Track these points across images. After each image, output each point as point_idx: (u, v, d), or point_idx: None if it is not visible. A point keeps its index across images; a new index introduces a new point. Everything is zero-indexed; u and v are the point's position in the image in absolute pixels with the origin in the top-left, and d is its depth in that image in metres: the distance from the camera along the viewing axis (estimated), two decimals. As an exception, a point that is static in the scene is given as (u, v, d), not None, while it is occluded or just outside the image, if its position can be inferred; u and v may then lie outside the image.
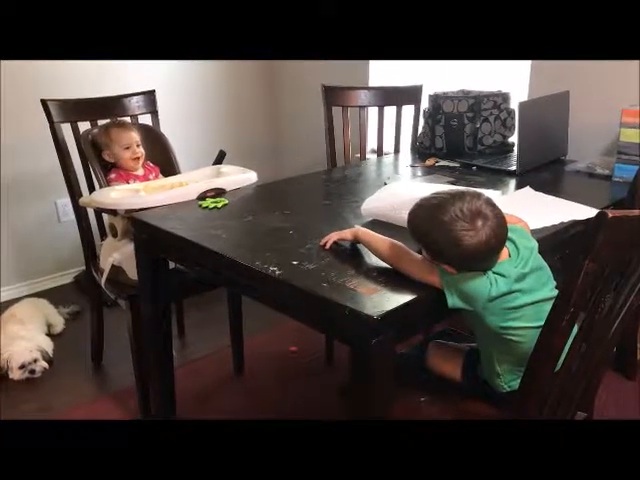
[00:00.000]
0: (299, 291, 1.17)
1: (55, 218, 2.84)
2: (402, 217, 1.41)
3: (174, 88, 2.98)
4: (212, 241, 1.40)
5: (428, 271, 1.14)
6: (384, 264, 1.24)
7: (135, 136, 1.99)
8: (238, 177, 1.84)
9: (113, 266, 1.85)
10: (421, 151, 2.28)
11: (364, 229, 1.30)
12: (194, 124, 3.11)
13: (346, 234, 1.32)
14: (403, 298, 1.11)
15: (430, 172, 2.01)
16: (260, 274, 1.24)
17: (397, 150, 2.40)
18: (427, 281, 1.14)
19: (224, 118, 3.27)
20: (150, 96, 2.18)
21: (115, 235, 1.83)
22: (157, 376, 1.79)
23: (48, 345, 2.28)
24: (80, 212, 2.03)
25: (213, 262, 1.40)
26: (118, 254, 1.84)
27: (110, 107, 2.11)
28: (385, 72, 2.87)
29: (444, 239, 1.10)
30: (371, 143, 2.67)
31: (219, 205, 1.65)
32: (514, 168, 1.96)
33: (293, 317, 1.27)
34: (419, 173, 2.01)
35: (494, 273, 1.13)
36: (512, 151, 2.22)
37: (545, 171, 1.99)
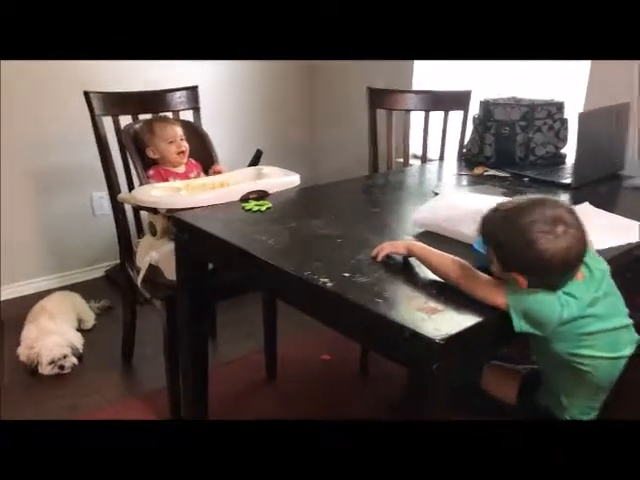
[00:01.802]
0: (352, 306, 1.10)
1: (90, 211, 2.82)
2: (459, 231, 1.35)
3: (212, 85, 2.93)
4: (257, 247, 1.35)
5: (493, 290, 1.07)
6: (441, 281, 1.16)
7: (179, 130, 1.94)
8: (281, 180, 1.78)
9: (150, 265, 1.80)
10: (468, 159, 2.20)
11: (419, 244, 1.23)
12: (230, 122, 3.06)
13: (399, 247, 1.24)
14: (468, 320, 1.03)
15: (479, 181, 1.92)
16: (309, 285, 1.18)
17: (442, 157, 2.32)
18: (491, 302, 1.06)
19: (260, 117, 3.23)
20: (193, 92, 2.14)
21: (154, 234, 1.79)
22: (191, 379, 1.73)
23: (78, 341, 2.25)
24: (118, 208, 1.99)
25: (257, 268, 1.34)
26: (156, 253, 1.79)
27: (153, 102, 2.07)
28: (430, 75, 2.80)
29: (519, 241, 1.02)
30: (412, 148, 2.60)
31: (263, 208, 1.59)
32: (569, 181, 1.87)
33: (342, 332, 1.21)
34: (467, 182, 1.93)
35: (565, 294, 1.05)
36: (564, 163, 2.12)
37: (601, 186, 1.89)
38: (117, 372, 2.18)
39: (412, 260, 1.26)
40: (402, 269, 1.24)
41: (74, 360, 2.15)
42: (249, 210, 1.58)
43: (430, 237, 1.40)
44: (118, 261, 2.84)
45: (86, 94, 1.93)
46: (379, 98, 2.28)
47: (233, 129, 3.07)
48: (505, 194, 1.76)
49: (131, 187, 2.04)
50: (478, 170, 2.04)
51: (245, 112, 3.15)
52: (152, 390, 2.03)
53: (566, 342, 1.08)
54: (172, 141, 1.93)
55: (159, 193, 1.68)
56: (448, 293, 1.12)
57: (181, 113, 2.12)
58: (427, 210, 1.46)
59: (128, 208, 2.01)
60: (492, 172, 2.02)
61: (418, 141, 2.38)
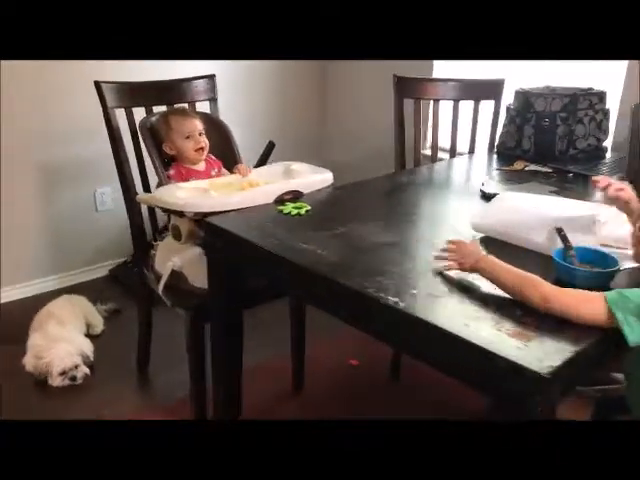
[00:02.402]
0: (433, 330, 0.98)
1: (92, 207, 2.65)
2: (530, 239, 1.24)
3: (222, 76, 2.76)
4: (306, 257, 1.22)
5: (594, 303, 0.95)
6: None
7: (198, 124, 1.79)
8: (315, 178, 1.65)
9: (173, 271, 1.66)
10: (503, 152, 2.07)
11: (489, 260, 1.08)
12: (240, 114, 2.90)
13: (464, 266, 1.11)
14: (571, 346, 0.92)
15: (524, 178, 1.80)
16: (375, 303, 1.06)
17: (472, 150, 2.19)
18: (593, 317, 0.94)
19: (271, 109, 3.07)
20: (210, 81, 1.98)
21: (178, 238, 1.64)
22: (223, 391, 1.61)
23: (89, 348, 2.11)
24: (133, 208, 1.85)
25: (307, 282, 1.22)
26: (179, 259, 1.65)
27: (168, 92, 1.92)
28: (451, 63, 2.66)
29: None
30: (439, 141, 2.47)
31: (302, 211, 1.46)
32: (617, 177, 1.75)
33: (414, 356, 1.09)
34: (511, 178, 1.81)
35: None
36: (604, 157, 2.01)
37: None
38: (133, 382, 2.05)
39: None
40: (472, 282, 1.12)
41: (86, 370, 2.01)
42: (287, 214, 1.45)
43: (491, 243, 1.28)
44: (123, 259, 2.74)
45: (97, 84, 1.77)
46: (407, 87, 2.14)
47: (243, 120, 2.90)
48: (554, 192, 1.66)
49: (145, 185, 1.89)
50: (518, 165, 1.92)
51: (255, 103, 2.99)
52: (173, 401, 1.90)
53: None
54: (190, 136, 1.77)
55: (185, 194, 1.54)
56: (535, 314, 1.00)
57: (197, 104, 1.97)
58: (487, 214, 1.34)
59: (143, 206, 1.87)
60: (533, 167, 1.90)
61: (443, 133, 2.25)
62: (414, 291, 1.09)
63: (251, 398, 1.75)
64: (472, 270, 1.10)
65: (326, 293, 1.18)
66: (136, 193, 1.84)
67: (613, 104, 2.08)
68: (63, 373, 1.96)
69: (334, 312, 1.24)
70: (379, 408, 1.91)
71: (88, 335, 2.22)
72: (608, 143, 2.07)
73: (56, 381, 1.96)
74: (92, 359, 2.07)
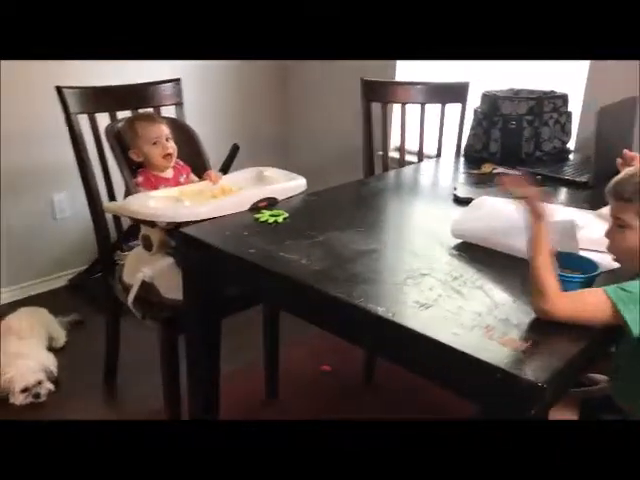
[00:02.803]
0: (422, 339, 0.97)
1: (50, 215, 2.55)
2: (508, 243, 1.24)
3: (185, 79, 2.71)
4: (289, 267, 1.19)
5: (594, 296, 0.96)
6: (514, 304, 1.05)
7: (164, 129, 1.74)
8: (290, 184, 1.62)
9: (143, 282, 1.61)
10: (471, 155, 2.09)
11: (544, 226, 1.03)
12: (203, 117, 2.84)
13: (533, 199, 1.05)
14: (564, 352, 0.92)
15: (492, 180, 1.81)
16: (364, 313, 1.04)
17: (440, 153, 2.21)
18: (599, 318, 0.96)
19: (233, 112, 3.02)
20: (176, 85, 1.94)
21: (149, 248, 1.59)
22: (201, 402, 1.56)
23: (52, 362, 2.03)
24: (99, 217, 1.78)
25: (290, 292, 1.19)
26: (149, 269, 1.60)
27: (133, 97, 1.86)
28: (413, 66, 2.67)
29: None
30: (395, 142, 2.49)
31: (280, 219, 1.43)
32: (585, 179, 1.79)
33: (404, 366, 1.08)
34: (480, 182, 1.82)
35: None
36: (569, 159, 2.06)
37: (615, 183, 1.84)
38: (101, 396, 1.98)
39: (467, 276, 1.15)
40: (458, 289, 1.12)
41: (50, 386, 1.93)
42: (264, 222, 1.42)
43: (472, 249, 1.29)
44: (83, 268, 2.65)
45: (59, 90, 1.70)
46: (374, 90, 2.14)
47: (206, 123, 2.84)
48: (526, 195, 1.68)
49: (110, 192, 1.83)
50: (487, 168, 1.94)
51: (218, 106, 2.93)
52: (145, 414, 1.84)
53: None
54: (157, 142, 1.72)
55: (157, 204, 1.49)
56: (521, 318, 1.01)
57: (163, 109, 1.92)
58: (467, 220, 1.34)
59: (108, 214, 1.80)
60: (501, 170, 1.92)
61: (410, 136, 2.26)
62: (401, 299, 1.08)
63: (223, 408, 1.71)
64: (532, 211, 1.05)
65: (310, 303, 1.16)
66: (101, 201, 1.78)
67: (574, 106, 2.13)
68: (25, 390, 1.88)
69: (318, 322, 1.22)
70: (354, 414, 1.90)
71: (50, 349, 2.14)
72: (571, 145, 2.11)
73: (18, 399, 1.88)
74: (56, 374, 1.99)
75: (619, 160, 1.44)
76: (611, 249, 1.10)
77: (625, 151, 1.34)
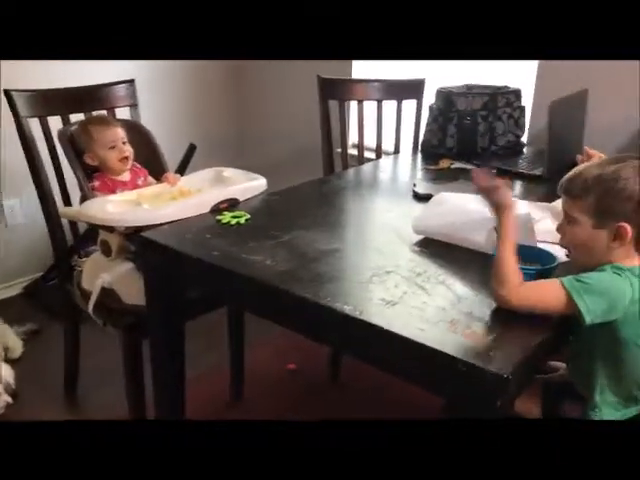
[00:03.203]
0: (389, 336, 0.98)
1: (1, 222, 2.47)
2: (470, 239, 1.27)
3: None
4: (253, 269, 1.19)
5: (552, 287, 1.00)
6: (477, 297, 1.07)
7: (120, 132, 1.70)
8: (251, 184, 1.61)
9: (103, 289, 1.58)
10: (428, 151, 2.12)
11: (511, 217, 1.08)
12: (158, 117, 2.80)
13: (499, 193, 1.10)
14: (527, 342, 0.95)
15: (450, 176, 1.85)
16: (330, 312, 1.05)
17: (397, 149, 2.23)
18: (553, 302, 0.99)
19: (189, 111, 2.98)
20: (130, 86, 1.90)
21: (107, 253, 1.56)
22: (167, 407, 1.54)
23: (9, 374, 1.96)
24: (54, 223, 1.73)
25: (256, 293, 1.19)
26: (108, 275, 1.57)
27: (85, 99, 1.81)
28: (369, 64, 2.68)
29: (631, 183, 1.01)
30: (353, 139, 2.50)
31: (242, 220, 1.42)
32: (539, 172, 1.84)
33: (372, 363, 1.09)
34: (438, 177, 1.85)
35: (627, 271, 1.02)
36: (523, 152, 2.11)
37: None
38: (62, 406, 1.93)
39: (431, 272, 1.17)
40: (422, 285, 1.13)
41: (8, 399, 1.87)
42: (226, 224, 1.41)
43: (433, 244, 1.31)
44: (38, 275, 2.58)
45: (7, 93, 1.65)
46: (331, 88, 2.15)
47: (162, 124, 2.80)
48: (483, 189, 1.71)
49: (65, 198, 1.78)
50: (444, 163, 1.97)
51: (172, 106, 2.88)
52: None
53: (630, 328, 1.03)
54: (113, 146, 1.69)
55: (116, 208, 1.46)
56: (484, 311, 1.03)
57: (117, 110, 1.88)
58: (428, 216, 1.36)
59: (63, 220, 1.76)
60: (458, 165, 1.96)
61: (367, 133, 2.27)
62: (367, 297, 1.09)
63: (189, 411, 1.69)
64: (496, 204, 1.09)
65: (276, 304, 1.16)
66: (56, 207, 1.74)
67: (526, 100, 2.18)
68: (-18, 404, 1.82)
69: (284, 323, 1.22)
70: (321, 412, 1.91)
71: (6, 360, 2.07)
72: (525, 138, 2.16)
73: (-25, 413, 1.82)
74: (14, 386, 1.93)
75: (579, 157, 1.48)
76: (562, 243, 1.13)
77: (586, 148, 1.38)
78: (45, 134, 1.73)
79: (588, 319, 0.98)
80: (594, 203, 1.04)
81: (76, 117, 1.78)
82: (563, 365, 1.30)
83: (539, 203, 1.49)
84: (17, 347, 2.15)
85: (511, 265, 1.02)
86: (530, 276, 1.08)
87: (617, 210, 1.02)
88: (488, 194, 1.11)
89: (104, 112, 1.84)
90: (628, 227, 1.02)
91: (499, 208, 1.09)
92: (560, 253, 1.16)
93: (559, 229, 1.13)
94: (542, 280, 1.04)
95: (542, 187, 1.76)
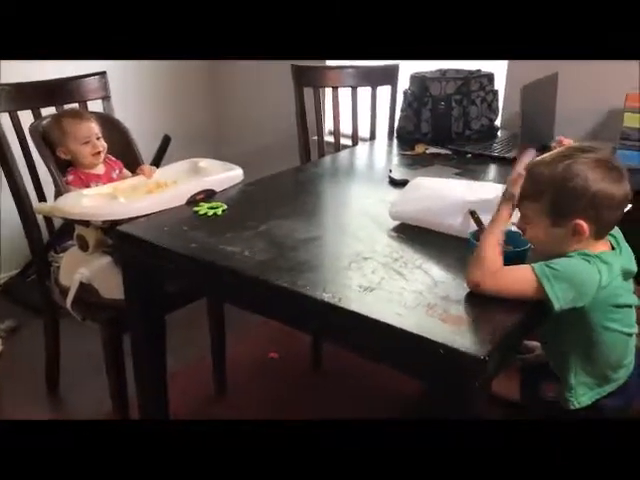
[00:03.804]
0: (367, 322, 1.00)
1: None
2: (446, 223, 1.28)
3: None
4: (231, 260, 1.19)
5: (523, 273, 1.01)
6: (454, 281, 1.09)
7: (94, 127, 1.68)
8: (227, 175, 1.61)
9: (81, 283, 1.57)
10: (403, 137, 2.13)
11: (505, 212, 1.09)
12: (131, 108, 2.77)
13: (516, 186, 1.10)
14: (503, 323, 0.97)
15: (426, 161, 1.87)
16: (308, 300, 1.06)
17: (373, 136, 2.24)
18: (523, 287, 1.01)
19: (162, 102, 2.94)
20: (102, 78, 1.87)
21: (85, 248, 1.55)
22: (151, 400, 1.54)
23: (-11, 373, 1.95)
24: (29, 219, 1.71)
25: (234, 284, 1.19)
26: (86, 270, 1.56)
27: (56, 92, 1.79)
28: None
29: (586, 179, 1.02)
30: (329, 126, 2.50)
31: (219, 212, 1.42)
32: (512, 155, 1.86)
33: (351, 350, 1.10)
34: (414, 163, 1.86)
35: (596, 258, 1.04)
36: (497, 136, 2.13)
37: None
38: (45, 403, 1.92)
39: (407, 257, 1.19)
40: (399, 271, 1.15)
41: (-11, 397, 1.86)
42: (204, 215, 1.41)
43: (410, 230, 1.32)
44: (14, 272, 2.55)
45: (-24, 88, 1.62)
46: (305, 75, 2.14)
47: (135, 116, 2.77)
48: (458, 174, 1.73)
49: (40, 193, 1.76)
50: (419, 148, 1.98)
51: (145, 97, 2.85)
52: (92, 417, 1.81)
53: (601, 313, 1.07)
54: (87, 141, 1.67)
55: (91, 202, 1.45)
56: (461, 294, 1.05)
57: (89, 103, 1.86)
58: (404, 202, 1.37)
59: (39, 215, 1.74)
60: (433, 150, 1.97)
61: (342, 119, 2.27)
62: (346, 284, 1.10)
63: (174, 406, 1.69)
64: (509, 193, 1.10)
65: (256, 295, 1.16)
66: (30, 202, 1.72)
67: (499, 84, 2.20)
68: (-37, 403, 1.81)
69: (264, 312, 1.23)
70: (305, 400, 1.93)
71: (-14, 359, 2.06)
72: (498, 122, 2.18)
73: (-44, 413, 1.80)
74: (-5, 384, 1.93)
75: (553, 144, 1.49)
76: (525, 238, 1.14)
77: (560, 138, 1.39)
78: (16, 129, 1.70)
79: (557, 306, 1.00)
80: (548, 204, 1.06)
81: (47, 111, 1.76)
82: (539, 345, 1.33)
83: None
84: (-4, 345, 2.13)
85: (493, 252, 1.04)
86: (505, 258, 1.10)
87: (572, 208, 1.04)
88: (514, 180, 1.11)
89: (76, 105, 1.82)
90: (584, 224, 1.04)
91: (509, 197, 1.10)
92: None
93: (519, 226, 1.14)
94: (515, 266, 1.05)
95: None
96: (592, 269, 1.03)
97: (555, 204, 1.05)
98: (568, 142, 1.41)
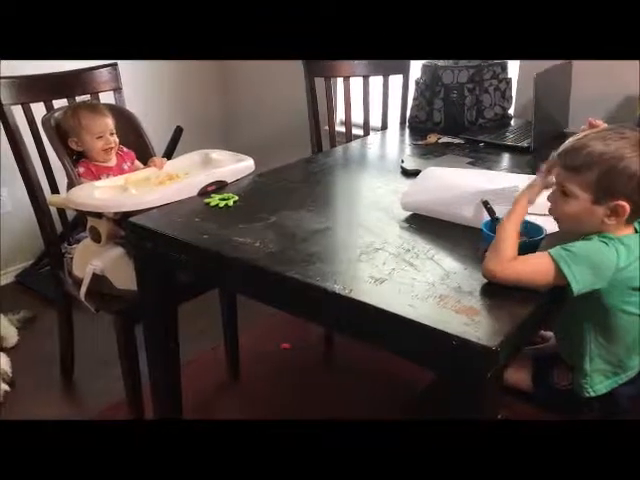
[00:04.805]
0: (380, 313, 0.99)
1: (-10, 211, 2.46)
2: (459, 214, 1.27)
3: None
4: (243, 251, 1.19)
5: (541, 260, 1.01)
6: (466, 272, 1.08)
7: (110, 123, 1.68)
8: (238, 166, 1.60)
9: (94, 275, 1.58)
10: (415, 126, 2.12)
11: (523, 203, 1.10)
12: (143, 100, 2.77)
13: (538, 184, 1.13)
14: (515, 314, 0.96)
15: (439, 151, 1.85)
16: (320, 292, 1.06)
17: (385, 125, 2.22)
18: (543, 275, 1.00)
19: (175, 94, 2.95)
20: (113, 70, 1.87)
21: (97, 240, 1.56)
22: (164, 389, 1.56)
23: (5, 363, 1.97)
24: (42, 210, 1.72)
25: (246, 276, 1.19)
26: (99, 261, 1.57)
27: (68, 84, 1.79)
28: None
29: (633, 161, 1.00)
30: (341, 116, 2.49)
31: (230, 203, 1.42)
32: (526, 144, 1.84)
33: (364, 341, 1.10)
34: (427, 152, 1.85)
35: (615, 240, 1.03)
36: (510, 124, 2.11)
37: (555, 148, 1.89)
38: (60, 393, 1.94)
39: (419, 248, 1.18)
40: (411, 262, 1.14)
41: (5, 387, 1.88)
42: (215, 206, 1.41)
43: (422, 220, 1.31)
44: (29, 263, 2.58)
45: (-11, 80, 1.63)
46: (316, 65, 2.13)
47: (147, 107, 2.77)
48: (471, 163, 1.72)
49: (53, 185, 1.77)
50: (432, 138, 1.97)
51: (158, 89, 2.85)
52: (106, 407, 1.83)
53: (618, 295, 1.06)
54: (100, 136, 1.67)
55: (103, 194, 1.46)
56: (473, 285, 1.04)
57: (101, 95, 1.86)
58: (416, 192, 1.36)
59: (52, 207, 1.75)
60: (446, 139, 1.96)
61: (354, 109, 2.26)
62: (357, 276, 1.10)
63: (188, 394, 1.71)
64: (538, 184, 1.13)
65: (267, 286, 1.16)
66: (43, 194, 1.73)
67: (513, 72, 2.17)
68: (-21, 393, 1.83)
69: (275, 304, 1.23)
70: (318, 389, 1.93)
71: (2, 349, 2.08)
72: (511, 111, 2.16)
73: (-27, 403, 1.83)
74: (10, 374, 1.94)
75: (583, 127, 1.44)
76: (551, 212, 1.13)
77: (590, 119, 1.37)
78: (29, 121, 1.71)
79: (576, 289, 0.99)
80: (595, 180, 1.03)
81: (59, 103, 1.77)
82: (552, 335, 1.32)
83: (527, 175, 1.49)
84: (12, 335, 2.15)
85: (508, 242, 1.04)
86: (519, 248, 1.09)
87: (618, 188, 1.02)
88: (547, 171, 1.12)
89: (88, 97, 1.82)
90: (627, 205, 1.02)
91: (536, 186, 1.12)
92: (547, 225, 1.17)
93: (550, 198, 1.12)
94: (531, 254, 1.05)
95: (530, 159, 1.77)
96: (609, 250, 1.02)
97: (602, 181, 1.03)
98: (598, 124, 1.37)
